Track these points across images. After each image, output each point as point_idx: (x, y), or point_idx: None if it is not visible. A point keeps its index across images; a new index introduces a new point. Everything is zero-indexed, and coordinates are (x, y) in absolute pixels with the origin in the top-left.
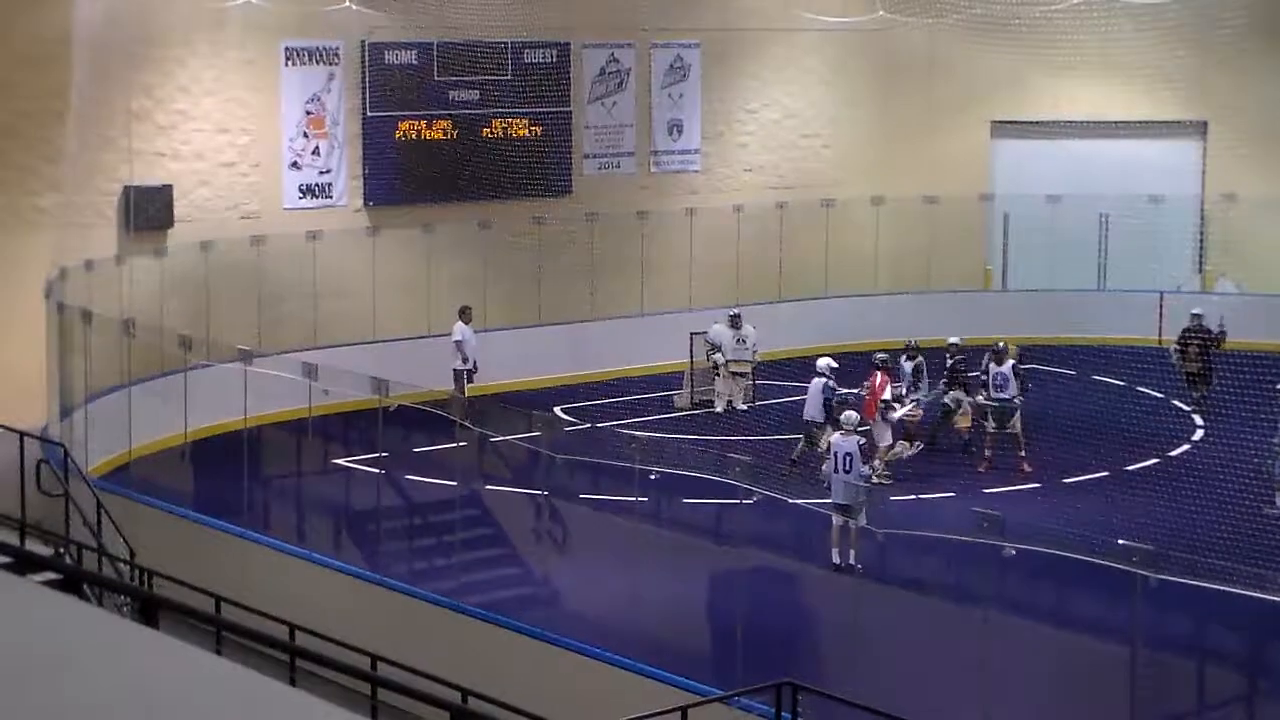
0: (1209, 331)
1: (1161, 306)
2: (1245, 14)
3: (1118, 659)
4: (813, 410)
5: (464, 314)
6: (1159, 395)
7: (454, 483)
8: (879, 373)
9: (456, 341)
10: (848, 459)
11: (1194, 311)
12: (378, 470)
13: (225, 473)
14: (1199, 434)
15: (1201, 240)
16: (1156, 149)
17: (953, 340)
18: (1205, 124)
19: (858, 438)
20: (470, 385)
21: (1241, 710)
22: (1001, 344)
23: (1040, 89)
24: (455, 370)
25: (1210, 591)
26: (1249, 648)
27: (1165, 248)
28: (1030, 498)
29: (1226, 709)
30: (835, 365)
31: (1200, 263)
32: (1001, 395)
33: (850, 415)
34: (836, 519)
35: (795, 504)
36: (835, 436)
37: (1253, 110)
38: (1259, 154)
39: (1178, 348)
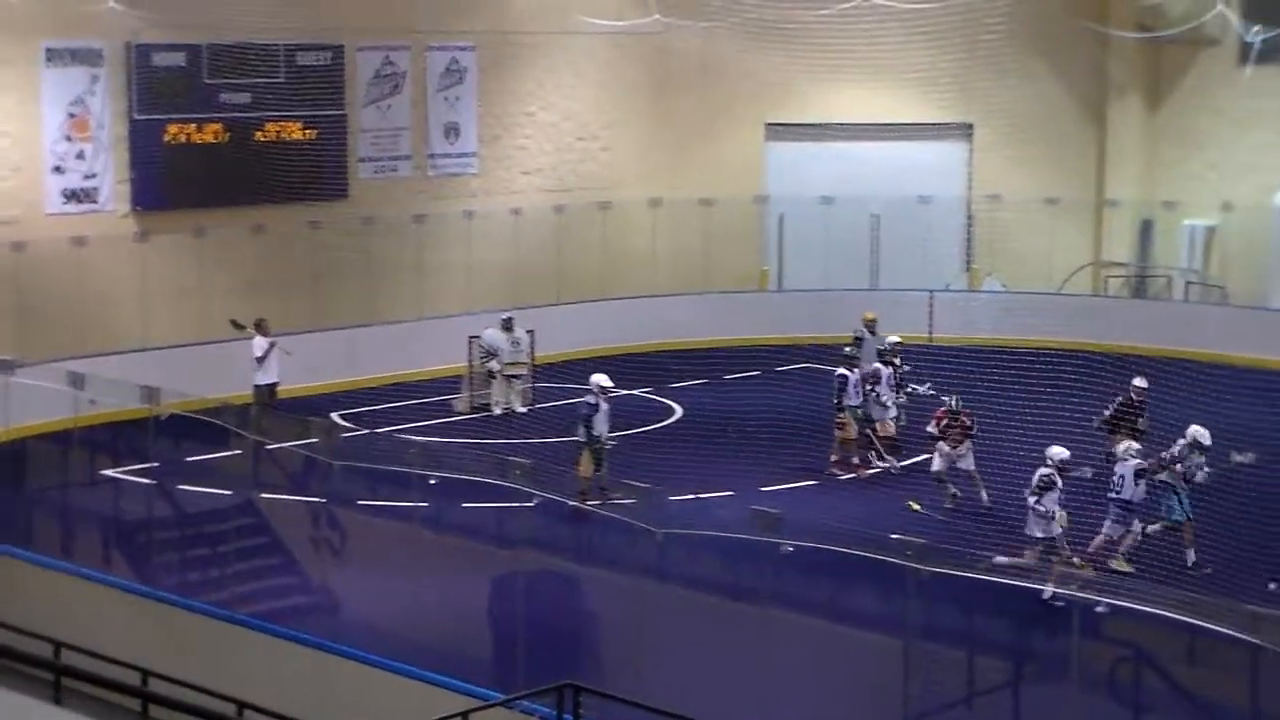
0: (1142, 407)
1: (931, 305)
2: (1007, 20)
3: (891, 651)
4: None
5: (261, 326)
6: (931, 392)
7: (229, 491)
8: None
9: (257, 358)
10: None
11: (1136, 383)
12: (149, 480)
13: None
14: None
15: (969, 239)
16: (925, 151)
17: (894, 339)
18: (970, 126)
19: None
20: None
21: (1008, 695)
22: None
23: (812, 92)
24: (257, 386)
25: (979, 582)
26: (1015, 635)
27: (934, 247)
28: (808, 494)
29: (994, 695)
30: (608, 385)
31: (968, 261)
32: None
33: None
34: None
35: (574, 506)
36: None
37: (1015, 113)
38: (1021, 156)
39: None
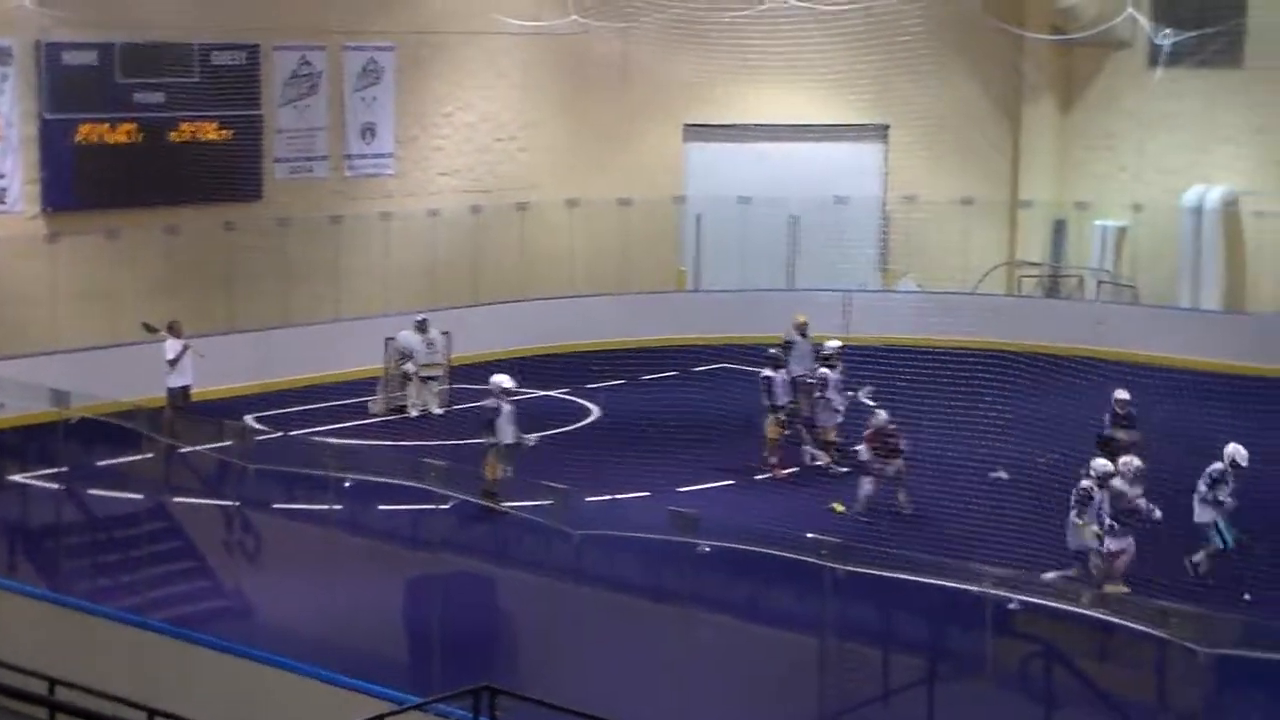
0: (1129, 418)
1: (848, 305)
2: (923, 22)
3: (807, 649)
4: None
5: (173, 328)
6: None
7: (140, 496)
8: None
9: (170, 360)
10: None
11: (1118, 395)
12: (58, 486)
13: None
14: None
15: (884, 240)
16: (842, 151)
17: (835, 344)
18: (887, 127)
19: None
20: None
21: (923, 692)
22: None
23: (731, 93)
24: (170, 389)
25: (894, 580)
26: (930, 633)
27: (851, 248)
28: (726, 495)
29: (909, 691)
30: (509, 386)
31: (884, 261)
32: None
33: None
34: None
35: (489, 508)
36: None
37: (931, 114)
38: (937, 156)
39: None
